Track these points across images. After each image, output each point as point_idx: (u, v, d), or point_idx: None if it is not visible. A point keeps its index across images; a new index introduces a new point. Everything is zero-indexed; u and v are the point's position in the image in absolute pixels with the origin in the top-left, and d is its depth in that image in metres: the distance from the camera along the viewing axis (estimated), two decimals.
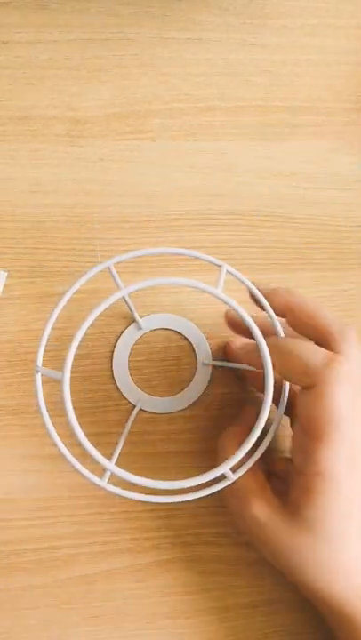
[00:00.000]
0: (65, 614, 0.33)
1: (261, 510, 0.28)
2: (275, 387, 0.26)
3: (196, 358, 0.35)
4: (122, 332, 0.36)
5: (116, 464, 0.27)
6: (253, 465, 0.27)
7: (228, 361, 0.35)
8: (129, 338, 0.35)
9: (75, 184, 0.37)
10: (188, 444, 0.35)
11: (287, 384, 0.29)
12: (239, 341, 0.34)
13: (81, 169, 0.37)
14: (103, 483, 0.26)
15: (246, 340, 0.34)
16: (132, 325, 0.36)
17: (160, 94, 0.39)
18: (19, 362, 0.35)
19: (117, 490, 0.26)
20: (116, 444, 0.32)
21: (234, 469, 0.26)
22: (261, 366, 0.26)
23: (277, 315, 0.29)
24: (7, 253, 0.36)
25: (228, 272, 0.28)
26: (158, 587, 0.33)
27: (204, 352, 0.35)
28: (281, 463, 0.31)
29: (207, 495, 0.26)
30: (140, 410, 0.35)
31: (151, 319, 0.36)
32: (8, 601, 0.33)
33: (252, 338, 0.27)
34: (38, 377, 0.27)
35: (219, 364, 0.35)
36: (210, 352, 0.35)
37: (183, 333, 0.36)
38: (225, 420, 0.35)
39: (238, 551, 0.34)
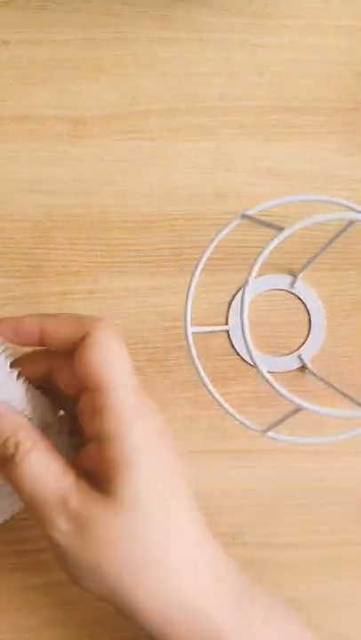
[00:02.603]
0: (65, 614, 0.33)
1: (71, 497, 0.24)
2: None
3: None
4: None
5: None
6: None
7: None
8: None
9: (75, 184, 0.37)
10: None
11: None
12: None
13: (81, 169, 0.37)
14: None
15: None
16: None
17: (160, 94, 0.39)
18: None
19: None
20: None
21: None
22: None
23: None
24: (7, 253, 0.36)
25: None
26: None
27: None
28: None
29: None
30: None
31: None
32: (8, 601, 0.33)
33: None
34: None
35: None
36: None
37: None
38: None
39: (238, 551, 0.34)
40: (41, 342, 0.27)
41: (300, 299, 0.37)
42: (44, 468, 0.24)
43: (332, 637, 0.34)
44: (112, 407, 0.24)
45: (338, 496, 0.35)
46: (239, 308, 0.32)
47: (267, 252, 0.24)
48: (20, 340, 0.27)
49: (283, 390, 0.24)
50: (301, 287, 0.37)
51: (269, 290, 0.37)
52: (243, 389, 0.36)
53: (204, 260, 0.29)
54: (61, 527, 0.24)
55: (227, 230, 0.28)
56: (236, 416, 0.27)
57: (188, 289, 0.28)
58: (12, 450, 0.25)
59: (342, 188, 0.38)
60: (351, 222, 0.29)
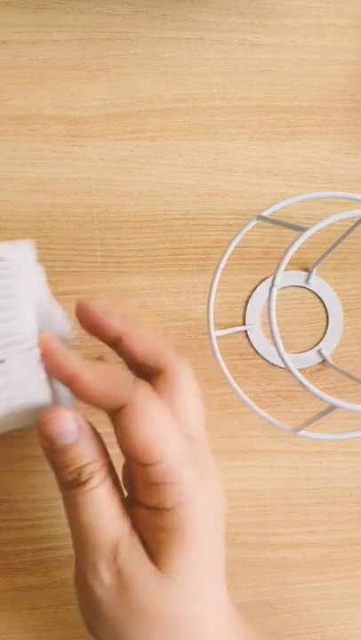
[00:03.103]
0: (65, 614, 0.33)
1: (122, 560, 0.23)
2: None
3: None
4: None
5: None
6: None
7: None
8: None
9: (75, 184, 0.37)
10: None
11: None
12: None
13: (81, 169, 0.37)
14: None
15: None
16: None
17: (160, 94, 0.39)
18: None
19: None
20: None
21: None
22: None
23: (108, 343, 0.27)
24: None
25: None
26: None
27: None
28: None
29: None
30: None
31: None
32: (8, 601, 0.33)
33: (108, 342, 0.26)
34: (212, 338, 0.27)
35: None
36: None
37: None
38: None
39: (238, 551, 0.34)
40: (115, 345, 0.26)
41: (315, 294, 0.37)
42: (106, 505, 0.23)
43: (333, 637, 0.34)
44: (175, 484, 0.23)
45: (338, 496, 0.35)
46: (263, 308, 0.32)
47: (292, 251, 0.24)
48: (95, 331, 0.26)
49: (315, 390, 0.24)
50: (316, 282, 0.37)
51: (285, 287, 0.37)
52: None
53: (225, 260, 0.29)
54: (104, 578, 0.23)
55: (244, 231, 0.29)
56: (268, 417, 0.27)
57: (210, 291, 0.29)
58: (85, 478, 0.23)
59: (342, 188, 0.38)
60: None
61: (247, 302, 0.36)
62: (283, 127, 0.39)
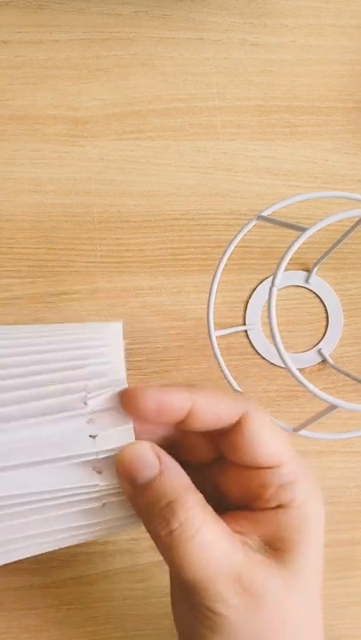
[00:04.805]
0: (65, 614, 0.33)
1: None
2: None
3: None
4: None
5: None
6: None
7: None
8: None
9: (75, 184, 0.37)
10: None
11: None
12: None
13: (81, 169, 0.37)
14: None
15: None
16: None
17: (160, 94, 0.39)
18: None
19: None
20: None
21: None
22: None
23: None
24: (7, 253, 0.36)
25: None
26: (158, 587, 0.33)
27: None
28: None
29: None
30: None
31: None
32: (8, 601, 0.33)
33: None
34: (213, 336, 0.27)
35: None
36: None
37: None
38: None
39: None
40: (182, 422, 0.23)
41: (315, 293, 0.37)
42: (213, 547, 0.21)
43: (333, 637, 0.34)
44: (299, 482, 0.23)
45: (338, 496, 0.35)
46: (263, 308, 0.32)
47: (292, 251, 0.24)
48: (160, 418, 0.22)
49: (315, 389, 0.24)
50: (316, 282, 0.37)
51: (285, 287, 0.37)
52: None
53: (225, 260, 0.29)
54: (231, 602, 0.21)
55: (244, 231, 0.29)
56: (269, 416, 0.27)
57: (210, 291, 0.29)
58: (173, 525, 0.21)
59: (342, 188, 0.38)
60: None
61: (247, 302, 0.36)
62: (283, 127, 0.39)
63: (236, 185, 0.38)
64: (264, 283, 0.37)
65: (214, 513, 0.22)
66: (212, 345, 0.29)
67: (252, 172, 0.38)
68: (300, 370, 0.36)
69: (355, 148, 0.39)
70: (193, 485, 0.22)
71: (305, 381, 0.24)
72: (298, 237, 0.24)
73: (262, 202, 0.38)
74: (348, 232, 0.32)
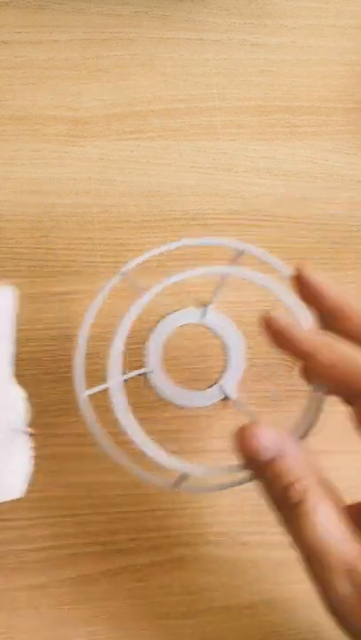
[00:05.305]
0: (65, 614, 0.33)
1: None
2: None
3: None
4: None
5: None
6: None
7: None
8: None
9: (75, 184, 0.37)
10: None
11: None
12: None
13: (81, 169, 0.37)
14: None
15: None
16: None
17: (160, 94, 0.39)
18: (19, 361, 0.35)
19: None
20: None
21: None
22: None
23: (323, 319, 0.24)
24: (7, 253, 0.36)
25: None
26: (158, 587, 0.33)
27: None
28: None
29: None
30: None
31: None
32: (8, 601, 0.33)
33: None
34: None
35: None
36: None
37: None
38: None
39: (238, 551, 0.34)
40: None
41: (212, 329, 0.36)
42: (332, 526, 0.22)
43: (333, 637, 0.34)
44: None
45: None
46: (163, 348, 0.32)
47: (127, 325, 0.26)
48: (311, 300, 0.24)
49: (163, 457, 0.23)
50: (213, 317, 0.36)
51: (182, 325, 0.36)
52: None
53: (86, 328, 0.28)
54: (343, 592, 0.22)
55: (106, 291, 0.28)
56: (146, 475, 0.25)
57: (78, 344, 0.27)
58: (296, 498, 0.22)
59: (342, 188, 0.38)
60: (240, 253, 0.29)
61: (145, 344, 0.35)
62: (283, 127, 0.39)
63: (236, 185, 0.38)
64: (161, 321, 0.36)
65: (338, 500, 0.22)
66: (80, 406, 0.26)
67: (252, 172, 0.38)
68: (207, 407, 0.35)
69: (355, 148, 0.39)
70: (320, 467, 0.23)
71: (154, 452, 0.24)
72: (135, 303, 0.25)
73: (262, 202, 0.38)
74: (228, 271, 0.30)
